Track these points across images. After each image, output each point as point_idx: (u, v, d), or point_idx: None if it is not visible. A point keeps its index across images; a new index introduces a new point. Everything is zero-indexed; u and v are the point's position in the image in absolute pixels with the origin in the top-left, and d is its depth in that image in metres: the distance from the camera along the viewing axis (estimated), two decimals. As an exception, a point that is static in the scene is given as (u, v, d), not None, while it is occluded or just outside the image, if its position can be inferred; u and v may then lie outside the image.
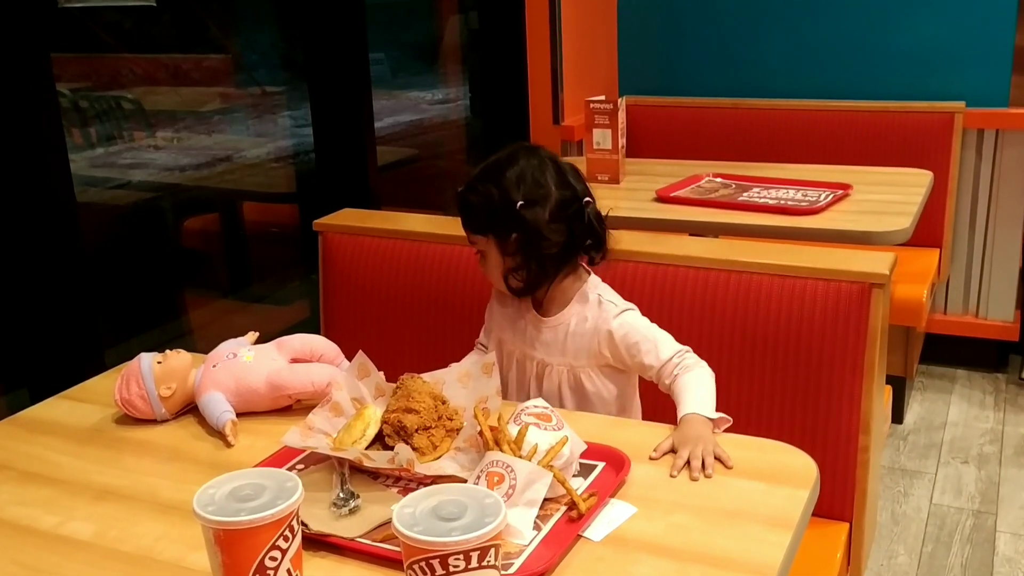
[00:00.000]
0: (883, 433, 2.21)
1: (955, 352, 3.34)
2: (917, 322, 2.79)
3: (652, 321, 1.51)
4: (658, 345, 1.48)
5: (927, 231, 2.90)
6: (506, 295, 1.57)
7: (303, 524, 0.99)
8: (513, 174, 1.47)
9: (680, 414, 1.34)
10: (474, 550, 0.86)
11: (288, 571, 0.92)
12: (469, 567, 0.86)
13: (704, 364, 1.45)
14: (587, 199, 1.50)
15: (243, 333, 1.54)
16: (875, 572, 2.33)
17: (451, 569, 0.86)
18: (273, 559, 0.91)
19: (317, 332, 1.77)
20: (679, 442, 1.27)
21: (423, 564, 0.86)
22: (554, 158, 1.52)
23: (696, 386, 1.40)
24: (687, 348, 1.48)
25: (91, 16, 2.18)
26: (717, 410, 1.34)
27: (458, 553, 0.85)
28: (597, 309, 1.52)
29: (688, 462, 1.22)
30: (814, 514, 1.19)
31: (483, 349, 1.65)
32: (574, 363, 1.53)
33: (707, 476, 1.21)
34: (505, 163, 1.49)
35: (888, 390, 2.66)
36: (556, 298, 1.54)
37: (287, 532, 0.91)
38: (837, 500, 1.62)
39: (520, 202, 1.44)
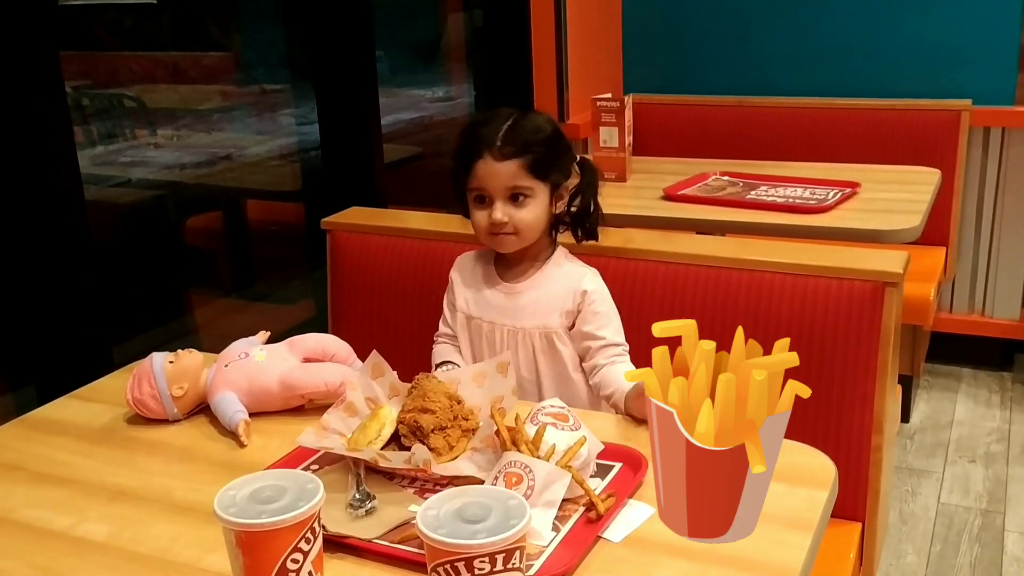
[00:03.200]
0: (894, 433, 2.20)
1: (961, 351, 3.34)
2: (924, 320, 2.78)
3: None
4: (615, 326, 1.52)
5: (934, 229, 2.88)
6: (478, 264, 1.59)
7: (321, 526, 0.98)
8: (549, 123, 1.49)
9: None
10: (499, 552, 0.85)
11: (310, 573, 0.91)
12: (495, 570, 0.85)
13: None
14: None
15: (247, 331, 1.52)
16: (884, 572, 2.33)
17: (476, 571, 0.85)
18: (295, 561, 0.90)
19: (323, 330, 1.76)
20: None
21: (448, 567, 0.85)
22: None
23: None
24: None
25: (91, 14, 2.17)
26: None
27: (483, 556, 0.84)
28: (570, 266, 1.54)
29: None
30: (827, 514, 1.19)
31: (448, 340, 1.64)
32: (547, 324, 1.53)
33: None
34: (530, 114, 1.49)
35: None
36: (525, 262, 1.54)
37: (309, 534, 0.91)
38: (850, 500, 1.61)
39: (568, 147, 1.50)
